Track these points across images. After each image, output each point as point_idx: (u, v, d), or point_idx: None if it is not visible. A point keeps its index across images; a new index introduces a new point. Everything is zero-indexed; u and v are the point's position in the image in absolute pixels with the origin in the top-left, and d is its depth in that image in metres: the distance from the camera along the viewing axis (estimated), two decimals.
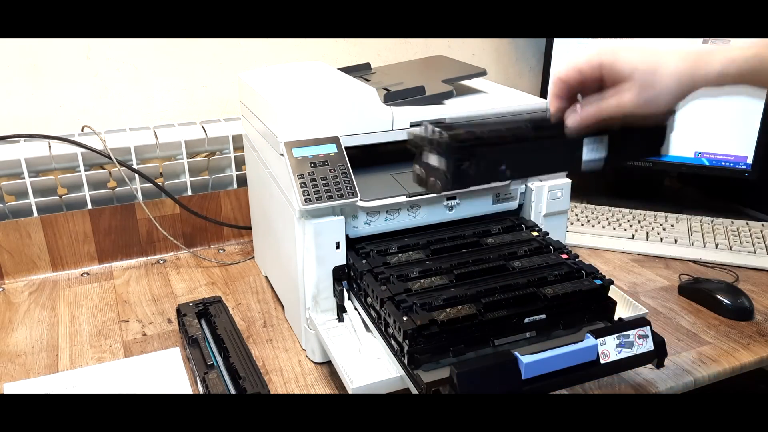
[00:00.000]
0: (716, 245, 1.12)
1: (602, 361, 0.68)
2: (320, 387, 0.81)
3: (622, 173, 1.35)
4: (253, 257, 1.14)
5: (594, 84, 0.56)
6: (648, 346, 0.70)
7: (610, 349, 0.68)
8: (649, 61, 0.54)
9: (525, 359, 0.63)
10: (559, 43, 1.26)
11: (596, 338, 0.67)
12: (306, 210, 0.78)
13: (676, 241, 1.14)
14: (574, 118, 0.57)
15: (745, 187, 1.27)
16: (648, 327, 0.70)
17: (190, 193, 1.16)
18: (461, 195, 0.86)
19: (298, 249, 0.80)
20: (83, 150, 1.05)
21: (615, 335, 0.68)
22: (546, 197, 0.90)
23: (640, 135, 0.63)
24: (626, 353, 0.69)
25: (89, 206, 1.09)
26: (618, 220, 1.21)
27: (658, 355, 0.71)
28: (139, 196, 1.11)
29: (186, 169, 1.14)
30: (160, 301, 1.02)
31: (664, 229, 1.17)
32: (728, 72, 0.54)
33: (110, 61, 1.13)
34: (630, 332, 0.69)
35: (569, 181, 0.92)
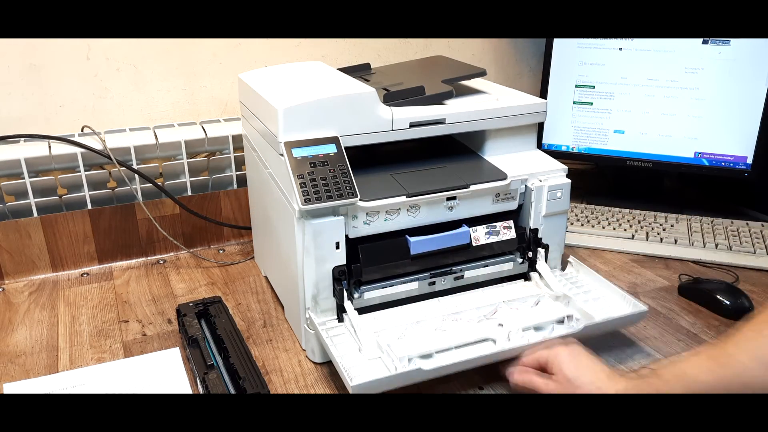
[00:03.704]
0: (716, 245, 1.12)
1: (474, 244, 0.88)
2: (320, 387, 0.81)
3: (622, 173, 1.35)
4: (253, 257, 1.14)
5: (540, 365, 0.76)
6: (511, 234, 0.90)
7: (480, 235, 0.88)
8: (571, 374, 0.72)
9: (413, 239, 0.84)
10: (559, 43, 1.26)
11: (469, 227, 0.88)
12: (306, 210, 0.78)
13: (676, 241, 1.14)
14: (513, 377, 0.77)
15: (745, 187, 1.27)
16: (511, 221, 0.90)
17: (190, 193, 1.16)
18: (461, 195, 0.86)
19: (298, 249, 0.80)
20: (83, 150, 1.05)
21: (484, 225, 0.88)
22: (546, 197, 0.90)
23: None
24: (493, 239, 0.89)
25: (89, 206, 1.09)
26: (618, 220, 1.21)
27: (520, 244, 0.92)
28: (139, 196, 1.11)
29: (186, 169, 1.14)
30: (160, 302, 1.02)
31: (664, 229, 1.17)
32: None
33: (110, 61, 1.13)
34: (497, 224, 0.89)
35: (569, 181, 0.92)
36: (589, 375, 0.71)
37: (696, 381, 0.64)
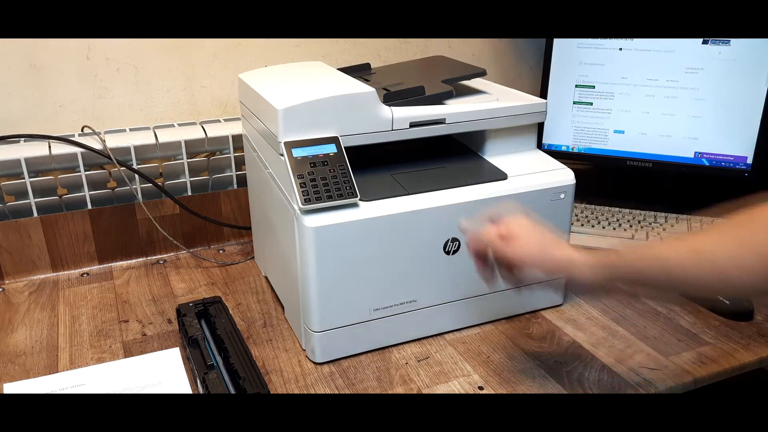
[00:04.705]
0: None
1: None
2: (320, 387, 0.81)
3: (622, 173, 1.35)
4: (253, 257, 1.14)
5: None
6: None
7: None
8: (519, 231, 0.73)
9: None
10: (559, 43, 1.26)
11: None
12: (306, 210, 0.78)
13: None
14: (462, 223, 0.79)
15: (745, 187, 1.27)
16: None
17: (190, 193, 1.16)
18: None
19: (298, 249, 0.80)
20: (83, 150, 1.05)
21: None
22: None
23: None
24: None
25: (89, 206, 1.09)
26: (618, 220, 1.21)
27: None
28: (139, 196, 1.11)
29: (186, 169, 1.14)
30: (160, 302, 1.02)
31: (664, 230, 1.17)
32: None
33: (110, 61, 1.13)
34: None
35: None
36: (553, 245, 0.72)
37: (669, 260, 0.64)
